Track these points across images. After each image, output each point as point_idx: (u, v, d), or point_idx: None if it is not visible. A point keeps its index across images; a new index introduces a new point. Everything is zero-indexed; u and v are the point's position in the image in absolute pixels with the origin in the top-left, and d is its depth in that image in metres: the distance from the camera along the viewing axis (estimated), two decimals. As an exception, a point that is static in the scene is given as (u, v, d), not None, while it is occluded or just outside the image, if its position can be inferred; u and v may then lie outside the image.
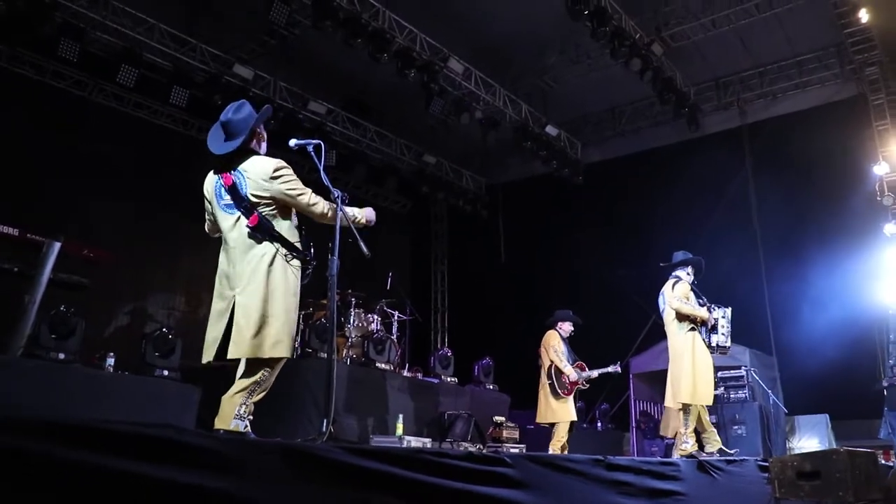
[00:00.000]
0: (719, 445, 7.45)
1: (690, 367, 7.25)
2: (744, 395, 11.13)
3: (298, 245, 4.38)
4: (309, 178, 4.69)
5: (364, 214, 4.68)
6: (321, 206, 4.40)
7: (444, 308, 18.01)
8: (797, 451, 10.71)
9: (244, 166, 4.28)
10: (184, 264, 12.99)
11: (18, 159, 10.62)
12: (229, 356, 4.13)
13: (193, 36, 11.49)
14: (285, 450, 2.56)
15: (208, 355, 4.25)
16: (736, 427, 10.61)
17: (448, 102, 12.78)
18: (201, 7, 11.50)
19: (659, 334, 8.60)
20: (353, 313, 9.41)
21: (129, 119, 12.86)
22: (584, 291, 13.57)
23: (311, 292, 4.45)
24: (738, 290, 10.20)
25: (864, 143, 12.76)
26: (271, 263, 4.21)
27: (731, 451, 7.68)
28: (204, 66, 11.59)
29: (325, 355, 4.38)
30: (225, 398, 4.09)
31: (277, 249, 4.25)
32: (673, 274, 7.71)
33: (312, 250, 4.46)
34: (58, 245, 6.26)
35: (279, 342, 4.17)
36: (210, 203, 4.44)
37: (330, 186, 4.46)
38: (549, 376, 9.10)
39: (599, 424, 12.82)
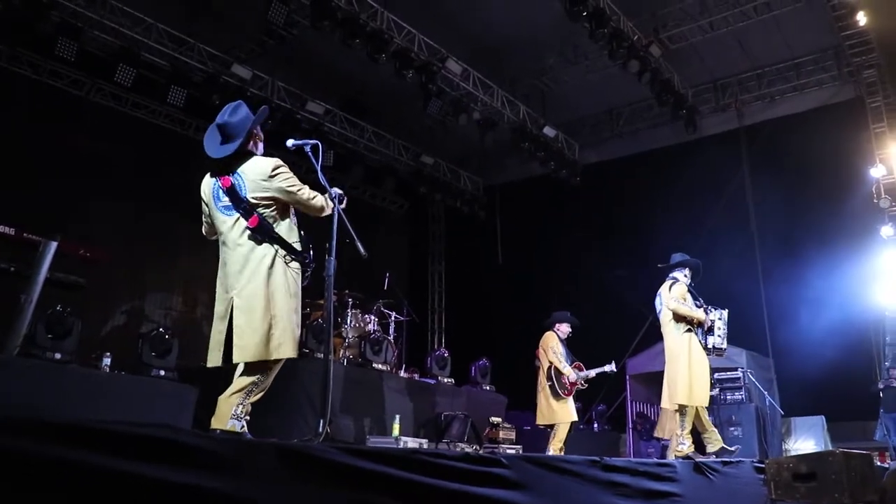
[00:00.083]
0: (721, 444, 7.45)
1: (687, 369, 7.25)
2: (740, 397, 11.15)
3: (297, 246, 4.37)
4: (306, 178, 4.69)
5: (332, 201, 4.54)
6: (319, 199, 4.40)
7: (441, 309, 18.02)
8: (793, 453, 10.72)
9: (242, 168, 4.27)
10: (181, 264, 12.98)
11: (15, 159, 10.61)
12: (235, 360, 4.12)
13: (192, 36, 11.48)
14: (282, 450, 2.56)
15: (214, 359, 4.24)
16: (732, 428, 10.63)
17: (446, 103, 12.79)
18: (200, 7, 11.50)
19: (656, 336, 8.60)
20: (349, 314, 9.42)
21: (127, 119, 12.86)
22: (581, 292, 13.58)
23: (308, 293, 4.45)
24: (735, 292, 10.20)
25: (861, 145, 12.79)
26: (271, 265, 4.21)
27: (732, 448, 7.69)
28: (202, 65, 11.58)
29: (322, 356, 4.38)
30: (222, 398, 4.09)
31: (276, 251, 4.24)
32: (670, 275, 7.71)
33: (312, 252, 4.45)
34: (54, 244, 6.25)
35: (282, 344, 4.17)
36: (207, 205, 4.42)
37: (327, 187, 4.46)
38: (549, 377, 9.10)
39: (596, 425, 12.82)
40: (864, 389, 11.74)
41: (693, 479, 5.45)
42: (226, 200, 4.27)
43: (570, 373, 9.10)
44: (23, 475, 1.80)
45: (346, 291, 9.44)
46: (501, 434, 9.58)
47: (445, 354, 10.46)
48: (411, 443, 7.72)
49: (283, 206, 4.33)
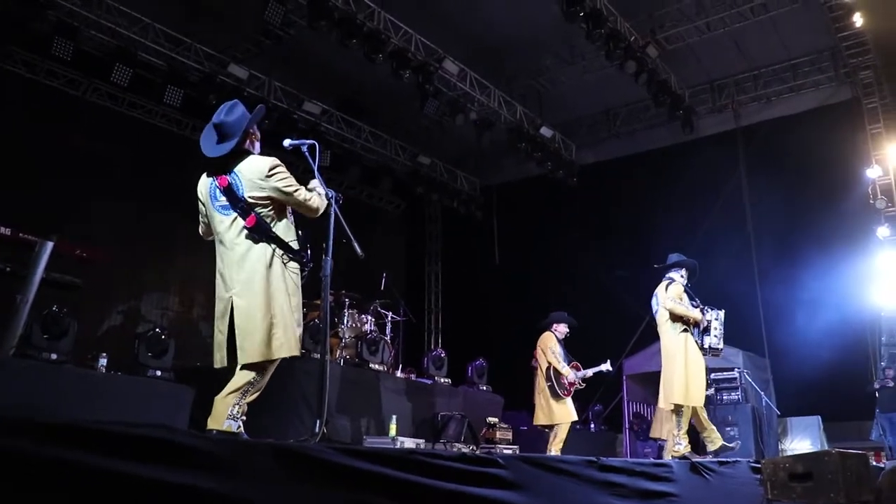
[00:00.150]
0: (721, 442, 7.46)
1: (683, 369, 7.26)
2: (737, 397, 11.17)
3: (295, 245, 4.37)
4: (303, 178, 4.68)
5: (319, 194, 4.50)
6: (316, 200, 4.38)
7: (437, 309, 18.02)
8: (789, 453, 10.74)
9: (239, 167, 4.26)
10: (178, 264, 12.97)
11: (11, 158, 10.58)
12: (240, 362, 4.12)
13: (188, 35, 11.47)
14: (278, 450, 2.56)
15: (219, 360, 4.24)
16: (729, 428, 10.64)
17: (443, 103, 12.80)
18: (196, 7, 11.47)
19: (652, 336, 8.61)
20: (346, 314, 9.41)
21: (124, 119, 12.84)
22: (578, 293, 13.60)
23: (305, 293, 4.44)
24: (731, 292, 10.22)
25: (857, 146, 12.82)
26: (269, 265, 4.20)
27: (732, 445, 7.70)
28: (198, 65, 11.57)
29: (319, 356, 4.37)
30: (218, 398, 4.08)
31: (274, 250, 4.24)
32: (667, 276, 7.72)
33: (309, 251, 4.45)
34: (50, 245, 6.23)
35: (284, 343, 4.17)
36: (204, 205, 4.41)
37: (324, 187, 4.45)
38: (549, 378, 9.11)
39: (593, 426, 12.83)
40: (859, 389, 11.76)
41: (689, 479, 5.46)
42: (223, 200, 4.26)
43: (568, 373, 9.11)
44: (19, 476, 1.80)
45: (343, 291, 9.44)
46: (498, 434, 9.58)
47: (442, 355, 10.45)
48: (408, 443, 7.71)
49: (281, 205, 4.32)
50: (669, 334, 7.48)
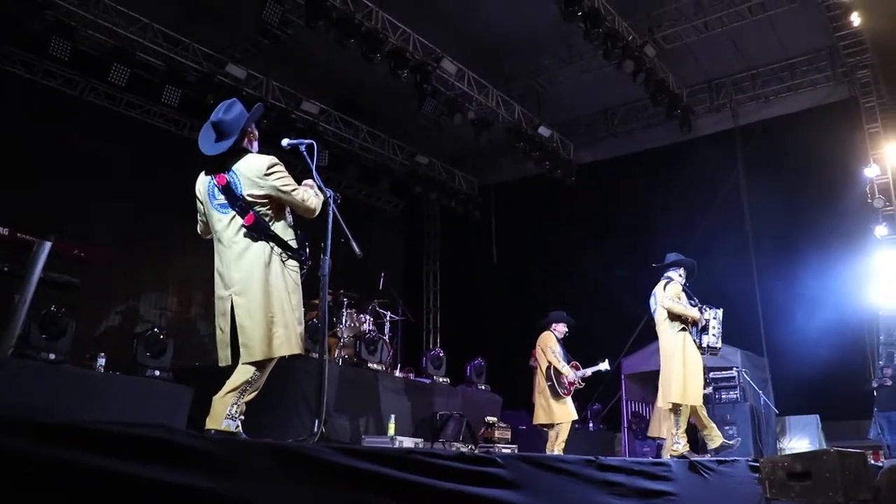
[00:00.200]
0: (721, 440, 7.46)
1: (681, 368, 7.27)
2: (735, 396, 11.17)
3: (293, 244, 4.36)
4: (301, 178, 4.68)
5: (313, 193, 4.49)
6: (313, 201, 4.37)
7: (436, 308, 18.02)
8: (788, 452, 10.75)
9: (238, 165, 4.26)
10: (176, 264, 12.96)
11: (9, 158, 10.57)
12: (242, 362, 4.11)
13: (186, 35, 11.46)
14: (276, 450, 2.56)
15: (224, 358, 4.24)
16: (727, 427, 10.64)
17: (441, 103, 12.80)
18: (194, 6, 11.47)
19: (650, 335, 8.62)
20: (345, 313, 9.41)
21: (121, 118, 12.82)
22: (576, 292, 13.60)
23: (303, 292, 4.44)
24: (729, 291, 10.23)
25: (855, 145, 12.83)
26: (268, 263, 4.19)
27: (733, 442, 7.70)
28: (196, 65, 11.56)
29: (317, 355, 4.37)
30: (216, 398, 4.08)
31: (273, 248, 4.24)
32: (665, 275, 7.72)
33: (307, 250, 4.44)
34: (48, 244, 6.22)
35: (284, 342, 4.17)
36: (203, 204, 4.41)
37: (322, 187, 4.45)
38: (549, 377, 9.11)
39: (591, 425, 12.83)
40: (858, 388, 11.78)
41: (688, 478, 5.46)
42: (221, 198, 4.26)
43: (569, 373, 9.13)
44: (18, 476, 1.80)
45: (342, 291, 9.44)
46: (497, 434, 9.58)
47: (441, 354, 10.45)
48: (407, 442, 7.71)
49: (279, 203, 4.32)
50: (668, 333, 7.48)
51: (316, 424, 4.07)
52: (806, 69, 13.80)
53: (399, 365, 10.41)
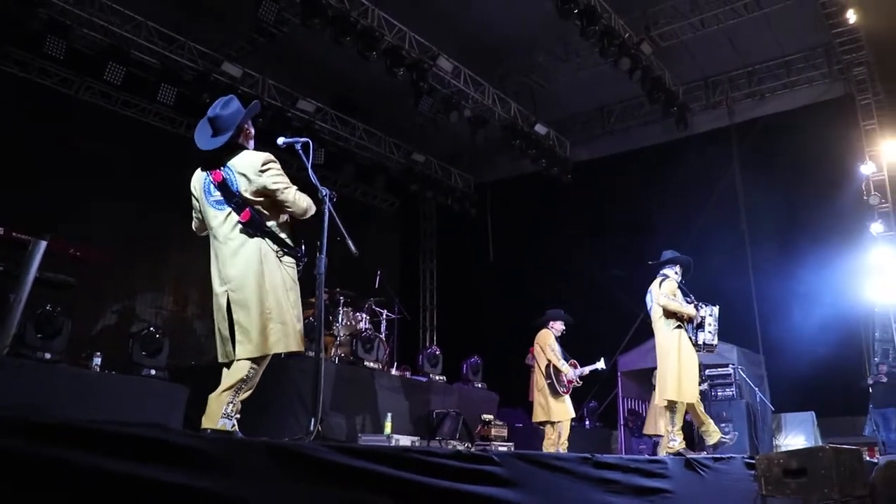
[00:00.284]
0: (719, 435, 7.47)
1: (676, 365, 7.27)
2: (731, 393, 11.19)
3: (289, 241, 4.36)
4: (297, 176, 4.68)
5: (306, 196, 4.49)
6: (305, 200, 4.36)
7: (432, 306, 18.03)
8: (784, 449, 10.77)
9: (233, 162, 4.26)
10: (172, 263, 12.95)
11: (2, 157, 10.54)
12: (237, 357, 4.10)
13: (181, 34, 11.44)
14: (273, 449, 2.56)
15: (222, 355, 4.24)
16: (723, 425, 10.64)
17: (437, 101, 12.79)
18: (190, 4, 11.45)
19: (647, 333, 8.64)
20: (341, 312, 9.40)
21: (117, 117, 12.80)
22: (572, 290, 13.59)
23: (300, 291, 4.44)
24: (725, 289, 10.24)
25: (851, 142, 12.85)
26: (264, 260, 4.19)
27: (728, 437, 7.71)
28: (192, 63, 11.55)
29: (313, 354, 4.37)
30: (212, 397, 4.07)
31: (269, 245, 4.23)
32: (661, 272, 7.73)
33: (304, 247, 4.44)
34: (44, 244, 6.21)
35: (281, 338, 4.17)
36: (198, 200, 4.40)
37: (318, 185, 4.44)
38: (549, 376, 9.12)
39: (588, 422, 12.85)
40: (853, 385, 11.81)
41: (684, 475, 5.47)
42: (217, 195, 4.25)
43: (568, 371, 9.14)
44: (13, 475, 1.79)
45: (338, 290, 9.42)
46: (493, 431, 9.57)
47: (437, 352, 10.45)
48: (403, 441, 7.70)
49: (274, 200, 4.31)
50: (663, 331, 7.49)
51: (312, 423, 4.07)
52: (802, 66, 13.82)
53: (395, 363, 10.40)
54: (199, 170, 4.39)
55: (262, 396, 4.41)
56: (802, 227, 12.55)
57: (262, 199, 4.24)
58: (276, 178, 4.25)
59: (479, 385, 10.74)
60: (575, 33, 11.86)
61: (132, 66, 10.89)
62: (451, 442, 8.69)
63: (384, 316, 10.51)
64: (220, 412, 3.99)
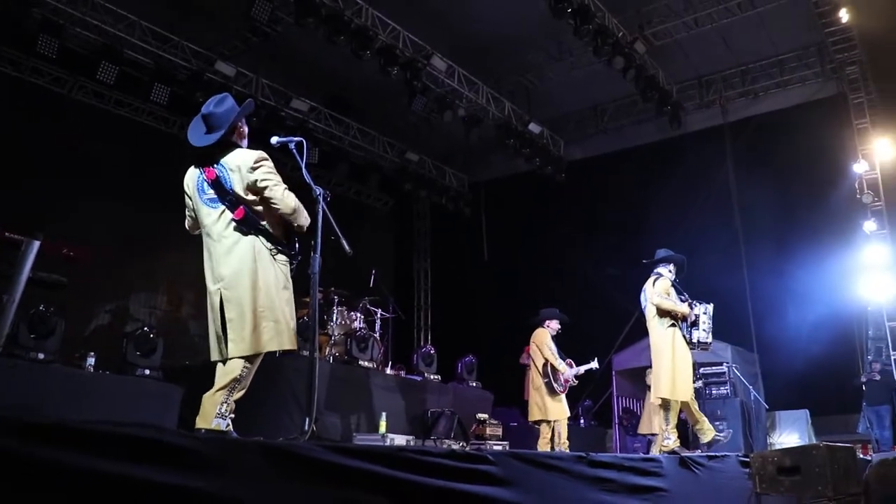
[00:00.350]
0: (713, 433, 7.48)
1: (670, 363, 7.28)
2: (725, 391, 11.23)
3: (283, 239, 4.35)
4: (291, 175, 4.67)
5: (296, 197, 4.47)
6: (292, 201, 4.29)
7: (427, 306, 18.02)
8: (778, 447, 10.80)
9: (226, 159, 4.25)
10: (165, 263, 12.89)
11: (-4, 157, 10.51)
12: (230, 356, 4.09)
13: (175, 33, 11.41)
14: (267, 449, 2.55)
15: (215, 355, 4.22)
16: (718, 423, 10.64)
17: (431, 100, 12.79)
18: (183, 4, 11.42)
19: (641, 331, 8.64)
20: (335, 311, 9.40)
21: (110, 117, 12.75)
22: (566, 289, 13.61)
23: (294, 290, 4.42)
24: (719, 287, 10.26)
25: (844, 141, 12.89)
26: (258, 257, 4.18)
27: (722, 435, 7.72)
28: (185, 63, 11.51)
29: (308, 353, 4.36)
30: (206, 397, 4.06)
31: (263, 243, 4.22)
32: (654, 271, 7.73)
33: (297, 245, 4.42)
34: (37, 244, 6.19)
35: (274, 336, 4.16)
36: (191, 198, 4.39)
37: (312, 184, 4.43)
38: (546, 374, 9.13)
39: (582, 421, 12.87)
40: (847, 383, 11.85)
41: (679, 473, 5.48)
42: (211, 193, 4.24)
43: (565, 369, 9.16)
44: (6, 476, 1.79)
45: (332, 289, 9.42)
46: (488, 430, 9.59)
47: (432, 351, 10.46)
48: (398, 440, 7.71)
49: (263, 197, 4.30)
50: (657, 329, 7.49)
51: (307, 422, 4.06)
52: (795, 65, 13.85)
53: (390, 362, 10.40)
54: (192, 168, 4.37)
55: (257, 396, 4.41)
56: (796, 226, 12.59)
57: (255, 196, 4.23)
58: (265, 175, 4.23)
59: (474, 384, 10.75)
60: (568, 32, 11.86)
61: (125, 65, 10.86)
62: (446, 441, 8.70)
63: (379, 315, 10.51)
64: (214, 412, 3.98)
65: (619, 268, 12.54)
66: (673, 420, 7.33)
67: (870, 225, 12.37)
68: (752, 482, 5.31)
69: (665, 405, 7.35)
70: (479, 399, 10.58)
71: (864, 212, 12.47)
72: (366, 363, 8.97)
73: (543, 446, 9.09)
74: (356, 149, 15.11)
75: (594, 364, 9.60)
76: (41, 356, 6.50)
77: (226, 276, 4.16)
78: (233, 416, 4.06)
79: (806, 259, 11.86)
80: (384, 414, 8.18)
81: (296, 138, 4.58)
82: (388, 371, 9.81)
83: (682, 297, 7.57)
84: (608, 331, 13.12)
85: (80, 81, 12.09)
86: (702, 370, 11.06)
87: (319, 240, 4.35)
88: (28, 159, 11.02)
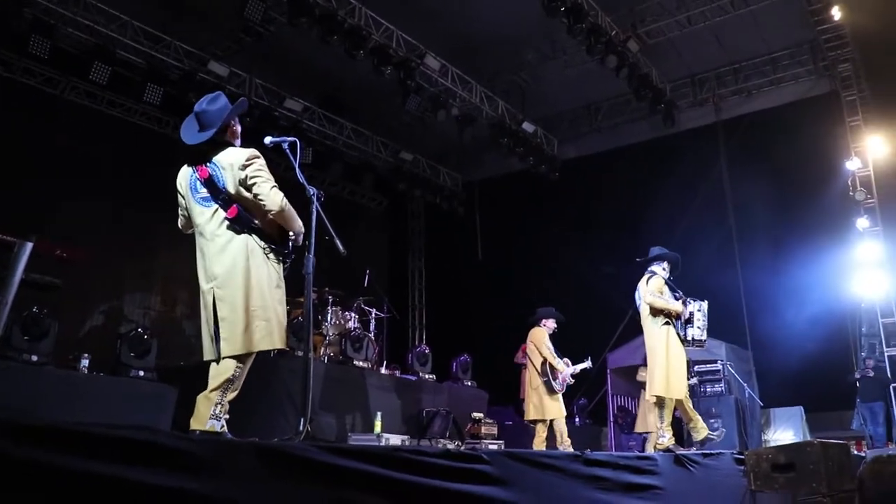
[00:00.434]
0: (706, 432, 7.49)
1: (664, 361, 7.29)
2: (720, 389, 11.24)
3: (277, 238, 4.34)
4: (284, 176, 4.66)
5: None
6: (279, 197, 4.21)
7: (421, 305, 18.01)
8: (772, 444, 10.83)
9: (219, 158, 4.24)
10: (159, 263, 12.87)
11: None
12: (223, 355, 4.08)
13: (167, 33, 11.38)
14: (261, 450, 2.55)
15: (209, 354, 4.20)
16: (712, 420, 10.68)
17: (424, 99, 12.77)
18: (175, 4, 11.39)
19: (636, 329, 8.65)
20: (330, 311, 9.38)
21: (103, 117, 12.71)
22: (560, 288, 13.60)
23: (288, 290, 4.42)
24: (713, 285, 10.27)
25: (836, 139, 12.93)
26: (251, 256, 4.17)
27: (716, 434, 7.74)
28: (178, 63, 11.49)
29: (303, 354, 4.35)
30: (200, 398, 4.05)
31: (256, 242, 4.21)
32: (648, 269, 7.74)
33: (291, 244, 4.41)
34: (30, 245, 6.17)
35: (266, 335, 4.15)
36: (184, 197, 4.38)
37: (306, 184, 4.43)
38: (545, 374, 9.13)
39: (577, 420, 12.87)
40: (841, 380, 11.88)
41: (674, 471, 5.49)
42: (204, 192, 4.23)
43: (564, 368, 9.16)
44: (1, 478, 1.78)
45: (326, 289, 9.41)
46: (483, 430, 9.58)
47: (426, 351, 10.45)
48: (393, 440, 7.70)
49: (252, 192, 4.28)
50: (651, 328, 7.51)
51: (301, 423, 4.05)
52: (788, 63, 13.89)
53: (385, 362, 10.39)
54: (185, 166, 4.36)
55: (252, 396, 4.40)
56: (789, 223, 12.61)
57: (248, 194, 4.22)
58: (255, 172, 4.20)
59: (469, 383, 10.75)
60: (562, 31, 11.87)
61: (118, 65, 10.83)
62: (441, 440, 8.69)
63: (373, 315, 10.50)
64: (208, 413, 3.97)
65: (614, 266, 12.54)
66: (668, 418, 7.34)
67: (863, 222, 12.41)
68: (747, 479, 5.32)
69: (660, 403, 7.36)
70: (474, 398, 10.57)
71: (857, 209, 12.51)
72: (361, 363, 8.96)
73: (539, 445, 9.10)
74: (350, 149, 15.09)
75: (588, 363, 9.61)
76: (35, 358, 6.47)
77: (219, 275, 4.15)
78: (227, 416, 4.05)
79: (800, 256, 11.89)
80: (379, 414, 8.17)
81: (289, 138, 4.58)
82: (383, 371, 9.80)
83: (676, 295, 7.59)
84: (603, 329, 13.13)
85: (73, 82, 12.04)
86: (696, 367, 11.07)
87: (314, 240, 4.35)
88: (20, 160, 10.96)
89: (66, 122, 12.17)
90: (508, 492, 3.48)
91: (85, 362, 6.97)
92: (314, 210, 4.38)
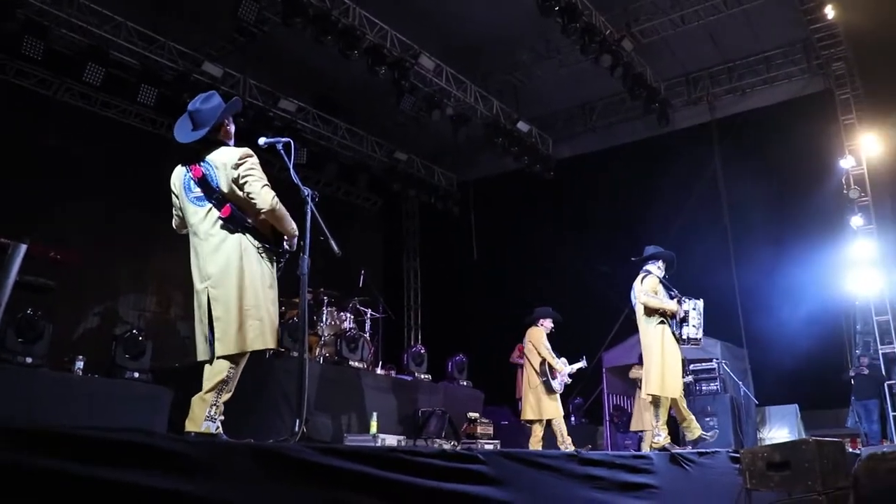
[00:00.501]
0: (699, 432, 7.50)
1: (659, 360, 7.30)
2: (715, 387, 11.25)
3: (271, 238, 4.33)
4: (279, 176, 4.65)
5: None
6: (270, 196, 4.16)
7: (416, 305, 18.01)
8: (768, 442, 10.85)
9: (212, 157, 4.22)
10: (154, 264, 12.85)
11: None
12: (217, 354, 4.06)
13: (161, 34, 11.35)
14: (256, 451, 2.55)
15: (203, 354, 4.18)
16: (708, 419, 10.72)
17: (419, 99, 12.78)
18: (169, 4, 11.37)
19: (631, 328, 8.66)
20: (325, 311, 9.39)
21: (97, 118, 12.67)
22: (555, 287, 13.60)
23: (283, 291, 4.41)
24: (709, 284, 10.27)
25: (830, 137, 12.96)
26: (245, 256, 4.16)
27: (709, 434, 7.75)
28: (172, 64, 11.46)
29: (298, 354, 4.35)
30: (195, 399, 4.04)
31: (250, 241, 4.20)
32: (643, 268, 7.74)
33: (285, 243, 4.40)
34: (23, 247, 6.15)
35: (259, 335, 4.14)
36: (178, 197, 4.36)
37: (300, 185, 4.42)
38: (543, 373, 9.12)
39: (573, 419, 12.88)
40: (836, 377, 11.91)
41: (669, 470, 5.50)
42: (197, 191, 4.22)
43: (562, 368, 9.16)
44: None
45: (322, 289, 9.41)
46: (479, 429, 9.59)
47: (422, 351, 10.46)
48: (389, 440, 7.70)
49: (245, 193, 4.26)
50: (647, 327, 7.51)
51: (297, 424, 4.05)
52: (781, 62, 13.92)
53: (380, 362, 10.40)
54: (178, 166, 4.35)
55: (247, 397, 4.40)
56: (784, 221, 12.64)
57: (241, 193, 4.20)
58: (247, 170, 4.18)
59: (465, 383, 10.75)
60: (556, 30, 11.88)
61: (112, 66, 10.80)
62: (437, 440, 8.70)
63: (368, 315, 10.50)
64: (203, 415, 3.96)
65: (609, 265, 12.55)
66: (663, 416, 7.35)
67: (857, 220, 12.44)
68: (743, 478, 5.33)
69: (655, 402, 7.37)
70: (469, 398, 10.58)
71: (851, 207, 12.54)
72: (356, 363, 8.96)
73: (535, 445, 9.09)
74: (344, 149, 15.08)
75: (583, 363, 9.61)
76: (29, 360, 6.46)
77: (213, 275, 4.14)
78: (222, 418, 4.05)
79: (794, 254, 11.91)
80: (375, 414, 8.17)
81: (283, 139, 4.56)
82: (379, 371, 9.80)
83: (672, 294, 7.59)
84: (598, 328, 13.13)
85: (67, 83, 12.00)
86: (691, 366, 11.08)
87: (308, 240, 4.34)
88: (14, 162, 10.92)
89: (60, 124, 12.14)
90: (504, 492, 3.49)
91: (80, 364, 6.97)
92: (309, 211, 4.37)
